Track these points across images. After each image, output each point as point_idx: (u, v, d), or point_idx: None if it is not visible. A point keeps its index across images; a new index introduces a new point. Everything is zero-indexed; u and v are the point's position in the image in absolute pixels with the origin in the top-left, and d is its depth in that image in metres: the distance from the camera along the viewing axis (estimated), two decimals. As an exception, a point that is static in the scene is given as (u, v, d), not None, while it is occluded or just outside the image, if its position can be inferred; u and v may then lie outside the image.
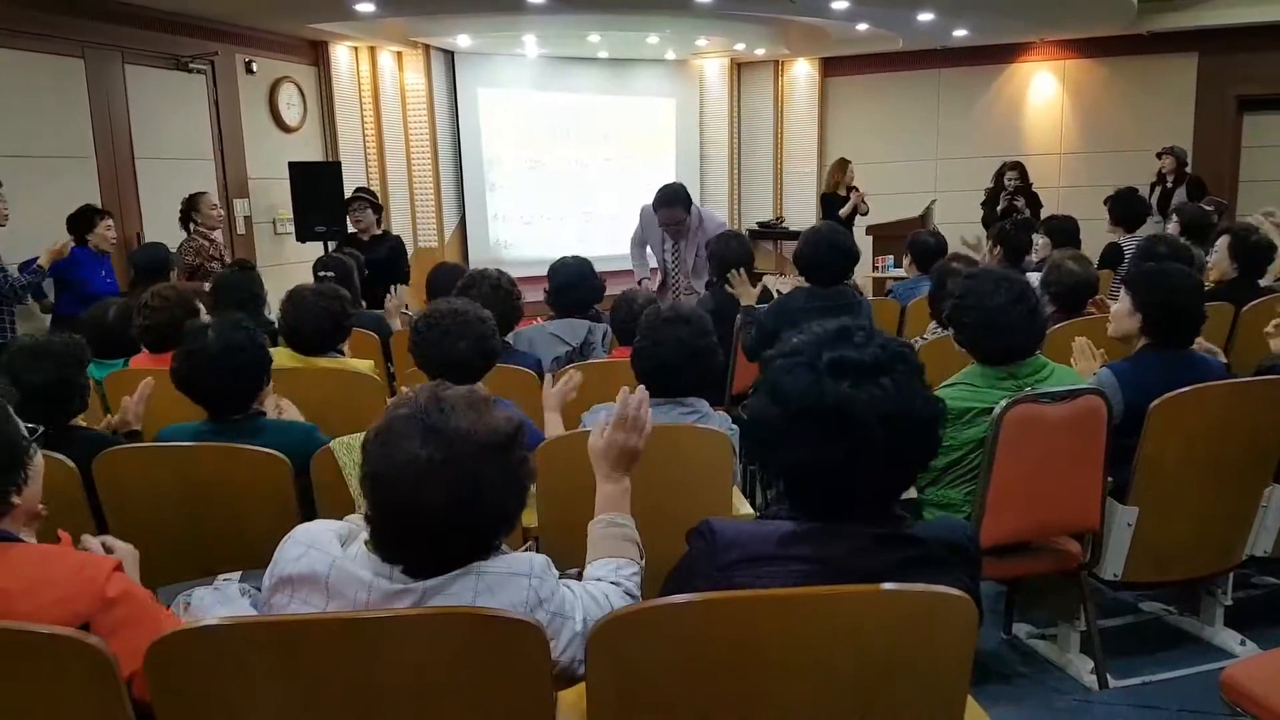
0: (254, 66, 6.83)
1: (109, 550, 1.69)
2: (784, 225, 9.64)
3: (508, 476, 1.26)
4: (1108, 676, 2.69)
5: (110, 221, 5.08)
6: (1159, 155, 7.34)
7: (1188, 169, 7.29)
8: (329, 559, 1.29)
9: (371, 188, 7.64)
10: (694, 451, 2.31)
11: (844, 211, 7.69)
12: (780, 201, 9.99)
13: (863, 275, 6.43)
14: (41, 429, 1.58)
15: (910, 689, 1.27)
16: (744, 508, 2.47)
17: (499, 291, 3.33)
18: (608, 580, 1.51)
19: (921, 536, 1.30)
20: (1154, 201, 7.02)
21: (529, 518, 2.40)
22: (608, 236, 9.16)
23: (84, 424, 2.44)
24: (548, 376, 2.81)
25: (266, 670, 1.24)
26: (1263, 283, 4.32)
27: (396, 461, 1.23)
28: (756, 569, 1.25)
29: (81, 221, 4.97)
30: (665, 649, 1.24)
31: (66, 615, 1.33)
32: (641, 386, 1.76)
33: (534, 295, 4.24)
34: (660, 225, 5.40)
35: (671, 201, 5.29)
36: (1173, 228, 5.39)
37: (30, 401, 1.53)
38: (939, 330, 3.60)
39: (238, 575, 1.81)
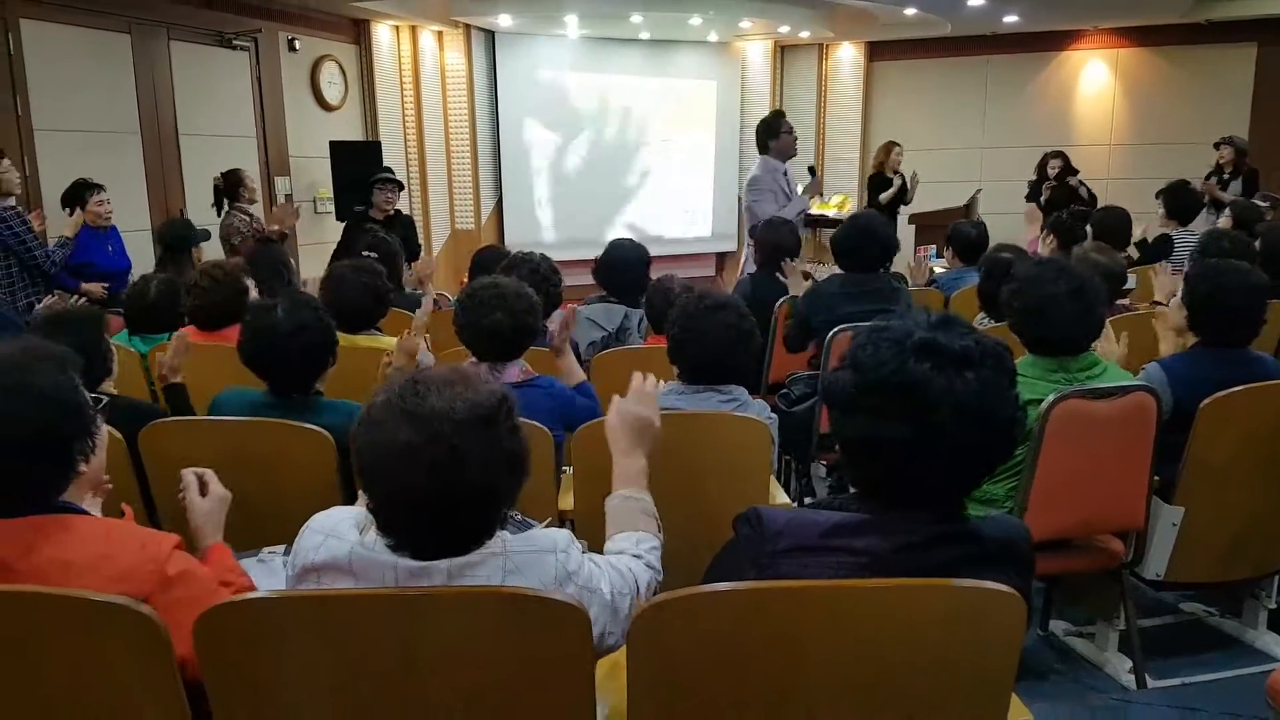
0: (296, 44, 6.87)
1: (204, 488, 1.76)
2: (823, 213, 9.54)
3: (493, 449, 1.24)
4: (1146, 676, 2.65)
5: (103, 196, 4.85)
6: (1217, 145, 7.16)
7: (1246, 160, 7.10)
8: (347, 545, 1.30)
9: (409, 167, 7.69)
10: (733, 440, 2.29)
11: (884, 196, 7.57)
12: (822, 188, 9.87)
13: (904, 264, 6.35)
14: (106, 399, 1.59)
15: (955, 685, 1.25)
16: (781, 497, 2.46)
17: (537, 275, 3.33)
18: (629, 553, 1.52)
19: (979, 534, 1.27)
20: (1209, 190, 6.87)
21: (565, 501, 2.41)
22: (645, 219, 9.16)
23: (115, 391, 2.47)
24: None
25: (311, 643, 1.25)
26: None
27: (378, 448, 1.23)
28: (804, 559, 1.24)
29: (73, 198, 4.80)
30: (707, 636, 1.23)
31: (125, 592, 1.35)
32: (651, 375, 1.77)
33: (570, 279, 4.23)
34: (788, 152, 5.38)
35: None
36: (1223, 222, 5.26)
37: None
38: (987, 320, 3.55)
39: (282, 549, 1.84)
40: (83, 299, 4.29)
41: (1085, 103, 9.02)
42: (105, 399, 1.58)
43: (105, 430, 1.60)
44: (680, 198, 9.45)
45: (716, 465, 2.28)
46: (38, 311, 2.49)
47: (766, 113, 9.48)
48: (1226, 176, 7.01)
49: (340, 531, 1.33)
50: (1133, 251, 5.07)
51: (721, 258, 9.87)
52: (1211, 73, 8.51)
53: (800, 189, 5.56)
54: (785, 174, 5.41)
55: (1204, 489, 2.53)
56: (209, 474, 1.81)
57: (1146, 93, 8.79)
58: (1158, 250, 5.27)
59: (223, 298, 3.21)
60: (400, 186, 6.18)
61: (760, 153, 5.43)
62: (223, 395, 2.41)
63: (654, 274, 4.01)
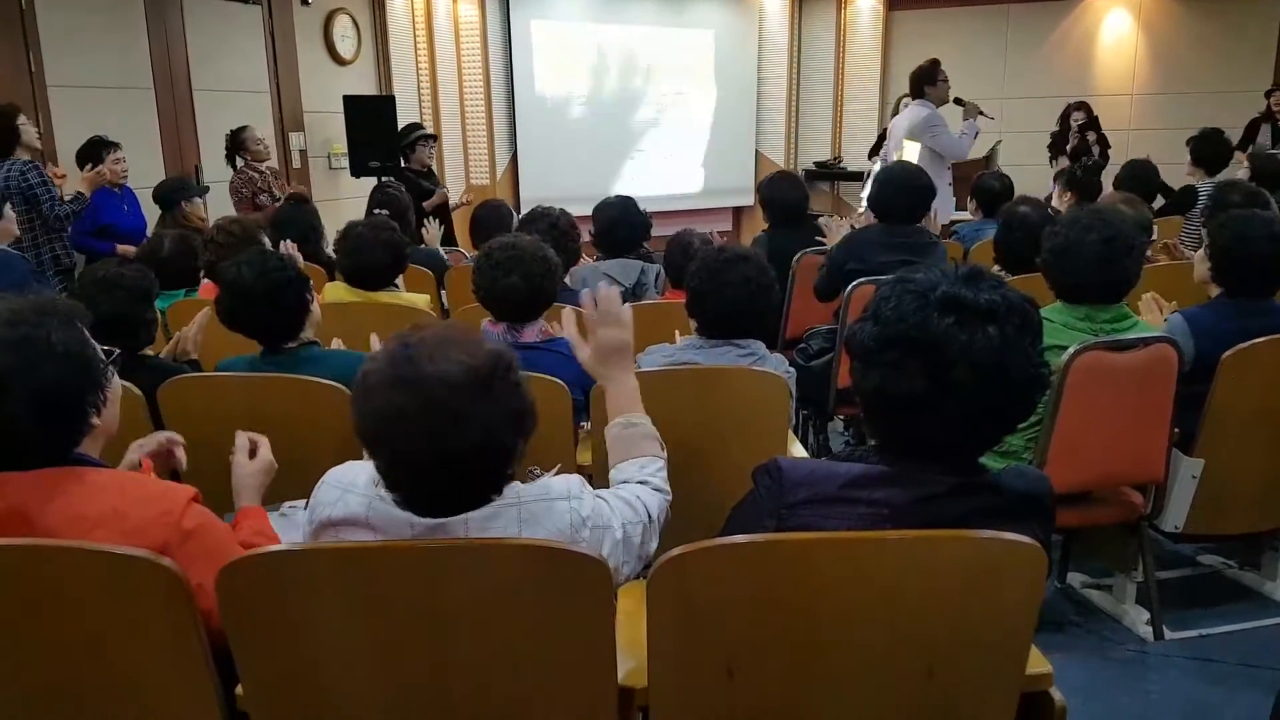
0: (309, -2, 6.80)
1: (254, 450, 1.79)
2: (842, 165, 9.42)
3: (491, 408, 1.23)
4: (1164, 628, 2.66)
5: (119, 154, 4.79)
6: (1268, 94, 6.98)
7: None
8: (366, 500, 1.31)
9: (424, 122, 7.64)
10: (751, 394, 2.29)
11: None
12: (839, 141, 9.74)
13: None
14: (118, 352, 1.60)
15: (975, 637, 1.26)
16: (798, 451, 2.46)
17: (555, 231, 3.31)
18: (635, 480, 1.53)
19: (997, 485, 1.27)
20: (1264, 142, 6.72)
21: (583, 455, 2.42)
22: (662, 173, 9.08)
23: (152, 353, 2.50)
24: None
25: (334, 596, 1.26)
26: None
27: (377, 418, 1.23)
28: (823, 510, 1.24)
29: (89, 156, 4.71)
30: (727, 588, 1.24)
31: (141, 545, 1.35)
32: (603, 284, 1.75)
33: (588, 234, 4.22)
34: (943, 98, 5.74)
35: None
36: (1242, 173, 5.17)
37: (99, 330, 1.55)
38: (1004, 274, 3.52)
39: (303, 503, 1.85)
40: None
41: (1107, 52, 8.82)
42: (116, 352, 1.59)
43: (119, 384, 1.61)
44: (696, 151, 9.36)
45: (734, 419, 2.28)
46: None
47: (784, 65, 9.42)
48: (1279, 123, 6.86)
49: (359, 486, 1.33)
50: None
51: (738, 212, 9.78)
52: (1235, 22, 8.29)
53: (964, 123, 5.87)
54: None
55: (1224, 441, 2.52)
56: (262, 441, 1.83)
57: (1169, 42, 8.59)
58: (1182, 201, 5.19)
59: (238, 253, 3.21)
60: (435, 139, 6.20)
61: (914, 97, 5.77)
62: (222, 364, 2.43)
63: (671, 229, 3.99)
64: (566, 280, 3.48)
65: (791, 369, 2.49)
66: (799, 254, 4.08)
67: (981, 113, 5.95)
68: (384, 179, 5.72)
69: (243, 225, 3.34)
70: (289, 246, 3.40)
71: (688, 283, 2.47)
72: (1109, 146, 7.18)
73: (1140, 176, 4.88)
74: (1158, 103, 8.61)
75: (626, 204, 3.86)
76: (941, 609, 1.23)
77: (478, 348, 1.27)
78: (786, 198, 4.34)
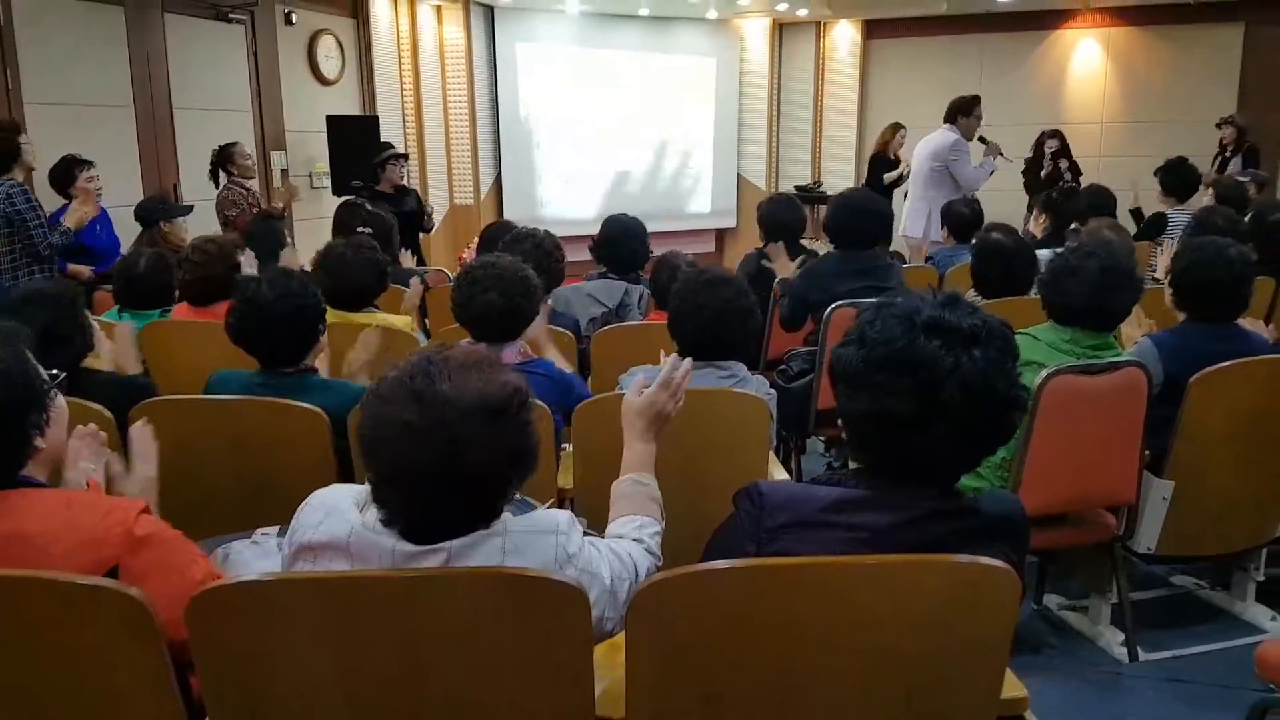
0: (293, 18, 6.81)
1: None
2: (821, 189, 9.53)
3: (497, 441, 1.22)
4: (1138, 649, 2.69)
5: (92, 172, 4.64)
6: (1219, 125, 7.17)
7: (1248, 139, 7.11)
8: (348, 524, 1.29)
9: (408, 143, 7.67)
10: (732, 415, 2.30)
11: (890, 177, 7.58)
12: (819, 165, 9.87)
13: (900, 237, 6.37)
14: (63, 375, 1.57)
15: (952, 660, 1.27)
16: (779, 473, 2.48)
17: (540, 251, 3.32)
18: (630, 538, 1.50)
19: (975, 508, 1.30)
20: (1213, 171, 6.89)
21: (564, 478, 2.42)
22: (645, 195, 9.14)
23: (102, 367, 2.45)
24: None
25: (308, 626, 1.24)
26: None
27: (382, 425, 1.23)
28: (804, 534, 1.26)
29: (62, 176, 4.59)
30: (707, 614, 1.24)
31: (94, 558, 1.33)
32: (688, 358, 1.77)
33: (570, 255, 4.25)
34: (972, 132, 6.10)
35: None
36: (1206, 200, 5.29)
37: (35, 346, 1.52)
38: (978, 298, 3.58)
39: (275, 530, 1.80)
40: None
41: (1078, 81, 9.01)
42: (62, 375, 1.57)
43: (63, 404, 1.57)
44: (680, 174, 9.44)
45: (715, 441, 2.29)
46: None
47: (765, 91, 9.55)
48: (1229, 155, 7.03)
49: (341, 509, 1.31)
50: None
51: (721, 234, 9.87)
52: (1200, 52, 8.51)
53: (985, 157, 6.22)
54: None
55: (1194, 462, 2.56)
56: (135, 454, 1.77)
57: (1137, 71, 8.79)
58: (1152, 228, 5.29)
59: (214, 272, 3.17)
60: (407, 158, 6.20)
61: (947, 122, 6.08)
62: (215, 378, 2.39)
63: (655, 250, 4.03)
64: (549, 301, 3.51)
65: (772, 390, 2.51)
66: (779, 279, 4.11)
67: (1001, 153, 6.17)
68: (346, 199, 5.71)
69: (219, 245, 3.31)
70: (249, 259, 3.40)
71: (670, 304, 2.50)
72: (1080, 173, 7.31)
73: (1101, 204, 4.99)
74: (1126, 131, 8.78)
75: (638, 226, 3.89)
76: (919, 633, 1.25)
77: (497, 379, 1.26)
78: (784, 219, 4.38)
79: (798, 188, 9.55)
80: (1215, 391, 2.50)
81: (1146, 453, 2.55)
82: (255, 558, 1.72)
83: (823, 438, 3.95)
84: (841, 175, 9.55)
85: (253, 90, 6.60)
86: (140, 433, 1.81)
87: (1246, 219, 4.33)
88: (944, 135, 5.99)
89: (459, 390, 1.22)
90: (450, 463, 1.20)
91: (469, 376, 1.24)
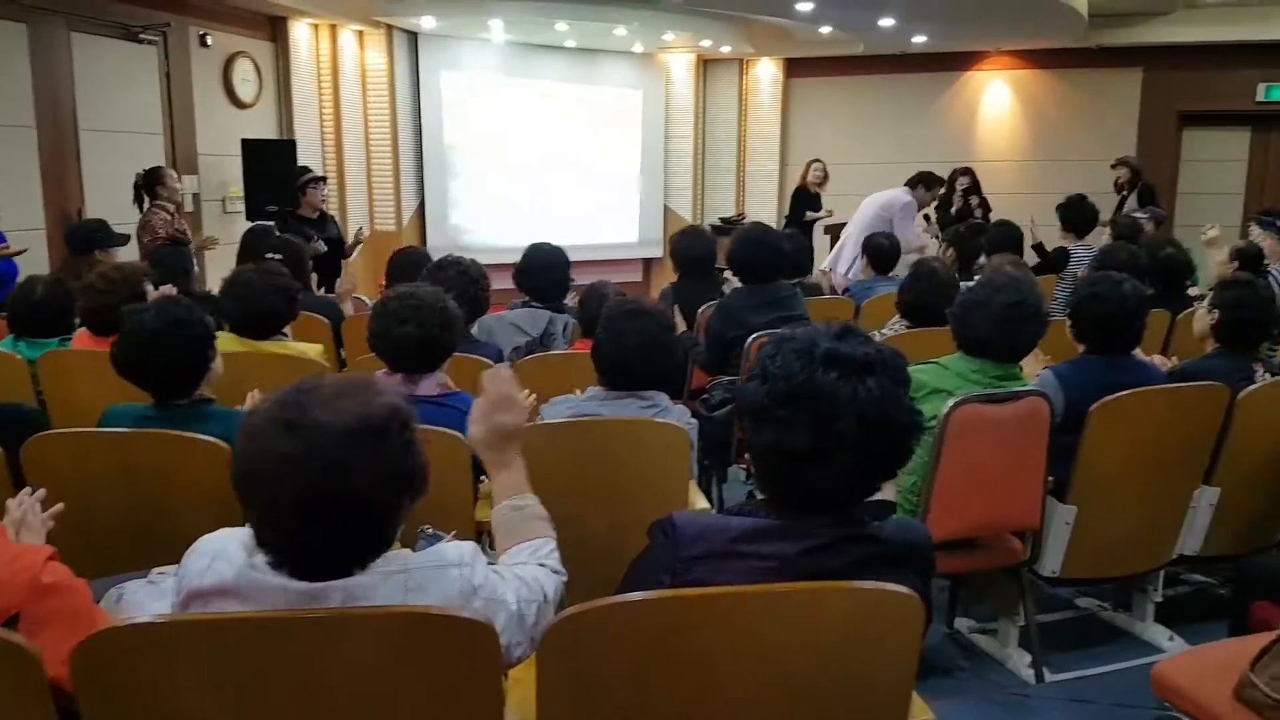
0: (209, 40, 6.67)
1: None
2: (745, 222, 9.70)
3: (378, 464, 1.19)
4: (1045, 671, 2.77)
5: None
6: (1114, 166, 7.53)
7: (1142, 178, 7.48)
8: (235, 567, 1.24)
9: (327, 168, 7.56)
10: (653, 445, 2.32)
11: (811, 216, 7.79)
12: (743, 198, 10.06)
13: (819, 272, 6.51)
14: None
15: (859, 686, 1.29)
16: (700, 502, 2.50)
17: (465, 279, 3.29)
18: (531, 563, 1.48)
19: (880, 537, 1.33)
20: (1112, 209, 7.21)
21: (483, 512, 2.39)
22: (572, 225, 9.16)
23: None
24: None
25: (202, 670, 1.19)
26: (1197, 291, 4.49)
27: (254, 459, 1.19)
28: (716, 564, 1.27)
29: None
30: (620, 646, 1.24)
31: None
32: (505, 364, 1.72)
33: (496, 283, 4.23)
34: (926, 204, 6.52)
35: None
36: (1105, 237, 5.55)
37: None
38: (900, 325, 3.69)
39: (173, 570, 1.74)
40: None
41: (988, 121, 9.39)
42: None
43: None
44: (607, 205, 9.50)
45: (637, 470, 2.31)
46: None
47: (690, 125, 9.71)
48: (1124, 194, 7.39)
49: (228, 553, 1.26)
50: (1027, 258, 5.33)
51: (648, 264, 9.95)
52: (1102, 94, 8.97)
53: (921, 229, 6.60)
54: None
55: (1094, 488, 2.67)
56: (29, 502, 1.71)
57: (1043, 112, 9.21)
58: (1055, 262, 5.52)
59: (118, 300, 3.04)
60: (326, 181, 6.13)
61: (908, 186, 6.32)
62: (108, 413, 2.30)
63: (580, 279, 4.04)
64: (474, 330, 3.48)
65: (694, 420, 2.53)
66: (703, 307, 4.17)
67: (936, 236, 6.64)
68: (255, 224, 5.61)
69: (124, 273, 3.21)
70: (168, 290, 3.30)
71: (595, 333, 2.50)
72: (990, 210, 7.59)
73: (1007, 237, 5.20)
74: (1034, 169, 9.17)
75: (561, 256, 3.89)
76: (827, 659, 1.27)
77: (374, 400, 1.22)
78: (695, 252, 4.44)
79: (723, 219, 9.70)
80: (1113, 420, 2.60)
81: (1050, 479, 2.64)
82: (151, 599, 1.64)
83: (744, 466, 3.99)
84: (765, 208, 9.75)
85: (164, 112, 6.43)
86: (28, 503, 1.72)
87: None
88: (900, 194, 6.25)
89: (333, 415, 1.18)
90: (330, 490, 1.16)
91: (343, 401, 1.20)
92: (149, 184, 5.39)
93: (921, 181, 6.31)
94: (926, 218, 6.79)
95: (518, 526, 1.54)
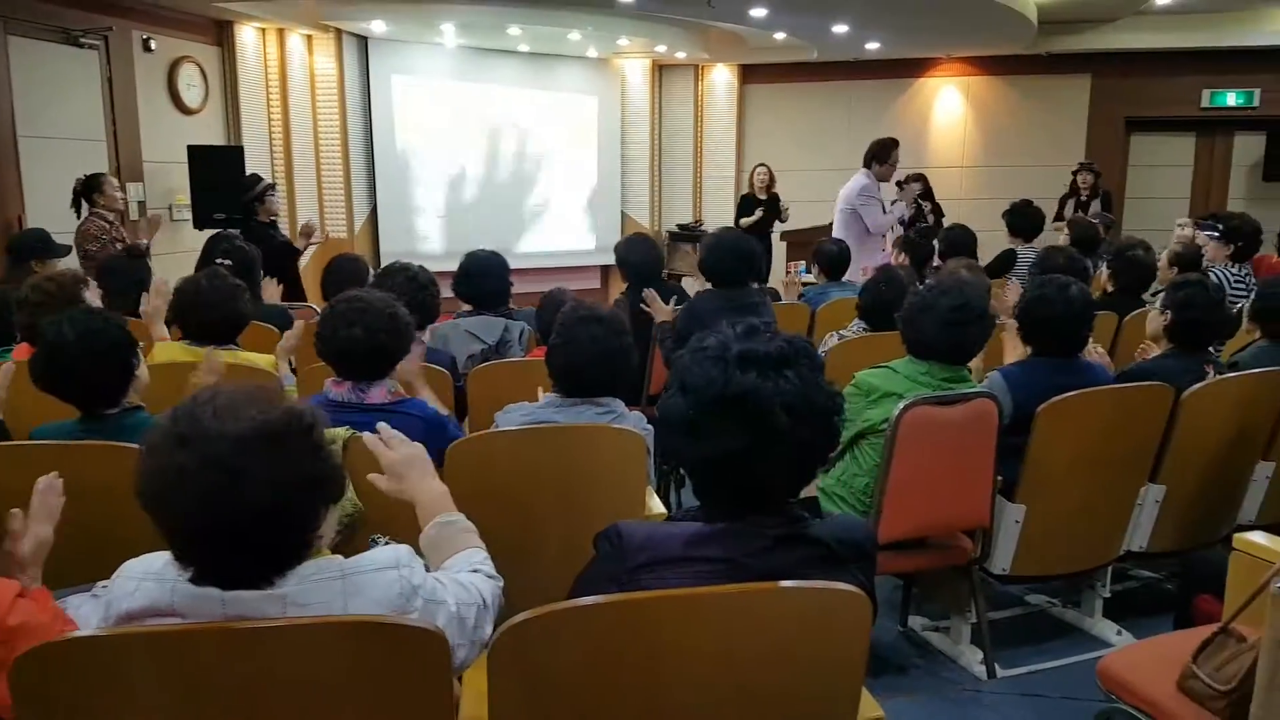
0: (152, 44, 6.55)
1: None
2: (703, 228, 9.72)
3: (281, 470, 1.17)
4: (996, 666, 2.82)
5: None
6: (1076, 172, 7.67)
7: (1101, 183, 7.64)
8: (168, 584, 1.22)
9: (276, 174, 7.47)
10: (609, 451, 2.31)
11: (744, 222, 7.84)
12: (700, 204, 10.10)
13: (778, 280, 6.56)
14: None
15: (809, 683, 1.31)
16: (658, 507, 2.50)
17: (414, 284, 3.26)
18: (466, 570, 1.48)
19: (822, 536, 1.34)
20: (1067, 213, 7.35)
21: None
22: (529, 232, 9.13)
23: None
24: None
25: (145, 682, 1.18)
26: (1147, 295, 4.60)
27: (156, 478, 1.17)
28: (665, 571, 1.27)
29: None
30: (572, 652, 1.24)
31: None
32: (383, 425, 1.69)
33: (449, 290, 4.20)
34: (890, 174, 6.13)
35: None
36: (1063, 239, 5.66)
37: None
38: (860, 327, 3.73)
39: None
40: None
41: (940, 127, 9.54)
42: None
43: None
44: (563, 211, 9.47)
45: (593, 477, 2.30)
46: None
47: (646, 131, 9.73)
48: (1085, 198, 7.53)
49: (156, 572, 1.24)
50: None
51: (606, 270, 9.94)
52: (1052, 100, 9.15)
53: (892, 201, 6.32)
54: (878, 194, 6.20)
55: (1042, 487, 2.72)
56: (32, 513, 1.67)
57: (994, 118, 9.37)
58: (1002, 265, 5.62)
59: (56, 313, 3.02)
60: (274, 187, 6.08)
61: (864, 166, 6.11)
62: (37, 431, 2.24)
63: (538, 287, 4.01)
64: (425, 338, 3.44)
65: (650, 426, 2.53)
66: (655, 329, 4.16)
67: (919, 197, 6.46)
68: (223, 231, 5.52)
69: (59, 283, 3.12)
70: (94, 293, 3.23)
71: (550, 340, 2.50)
72: (943, 215, 7.70)
73: (960, 242, 5.28)
74: (985, 174, 9.33)
75: (498, 260, 3.85)
76: (776, 658, 1.28)
77: (273, 405, 1.21)
78: (640, 259, 4.44)
79: (680, 226, 9.74)
80: (1060, 420, 2.66)
81: (999, 479, 2.69)
82: (94, 612, 1.59)
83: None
84: (722, 214, 9.79)
85: (108, 119, 6.29)
86: (50, 487, 1.68)
87: (1103, 254, 4.66)
88: (856, 180, 6.14)
89: (228, 424, 1.17)
90: (228, 500, 1.14)
91: (240, 410, 1.19)
92: (87, 191, 5.28)
93: (874, 157, 6.17)
94: (900, 185, 6.60)
95: (448, 541, 1.54)
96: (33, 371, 2.17)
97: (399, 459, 1.62)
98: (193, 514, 1.15)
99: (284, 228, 7.33)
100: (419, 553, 1.42)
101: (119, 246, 5.19)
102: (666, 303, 4.27)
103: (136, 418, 2.21)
